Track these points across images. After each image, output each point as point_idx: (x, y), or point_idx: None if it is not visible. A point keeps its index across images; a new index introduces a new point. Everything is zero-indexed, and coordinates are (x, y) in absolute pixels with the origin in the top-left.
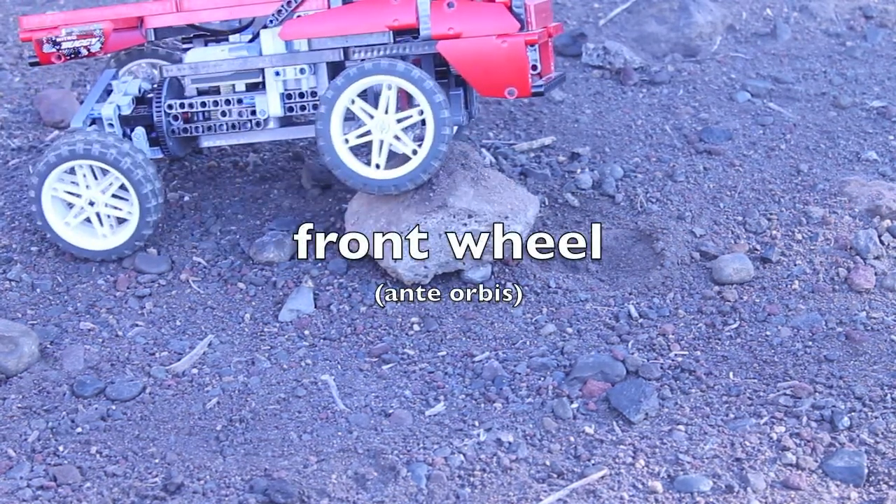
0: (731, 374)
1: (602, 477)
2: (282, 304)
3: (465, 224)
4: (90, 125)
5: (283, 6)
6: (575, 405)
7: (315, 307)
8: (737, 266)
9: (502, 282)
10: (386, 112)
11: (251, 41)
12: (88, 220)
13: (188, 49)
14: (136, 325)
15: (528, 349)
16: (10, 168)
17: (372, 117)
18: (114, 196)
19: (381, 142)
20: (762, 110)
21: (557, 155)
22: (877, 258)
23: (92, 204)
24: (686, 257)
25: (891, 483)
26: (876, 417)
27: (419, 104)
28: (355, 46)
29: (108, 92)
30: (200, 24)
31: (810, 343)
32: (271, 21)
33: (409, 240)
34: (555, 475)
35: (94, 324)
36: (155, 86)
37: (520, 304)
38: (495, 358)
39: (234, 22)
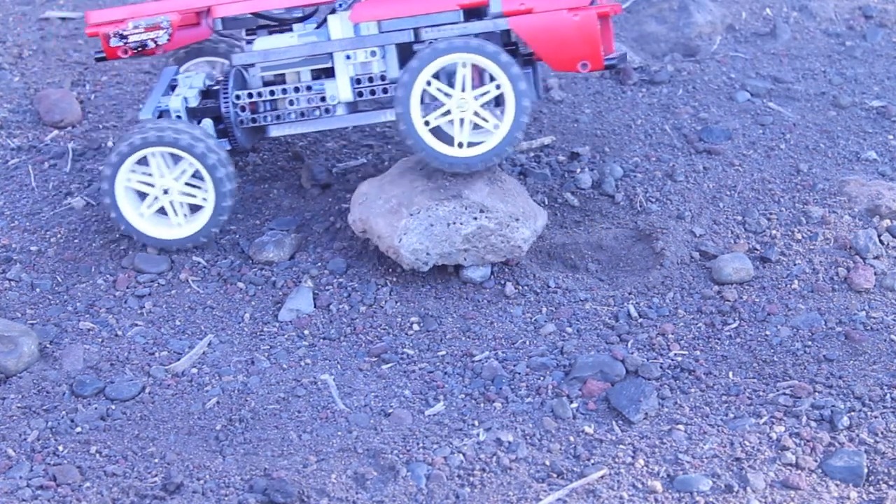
0: (730, 373)
1: (602, 476)
2: (281, 304)
3: (476, 218)
4: (157, 118)
5: None
6: (574, 405)
7: (315, 307)
8: (736, 266)
9: (502, 281)
10: (463, 90)
11: (318, 27)
12: (161, 209)
13: (252, 40)
14: (136, 325)
15: (527, 349)
16: (10, 168)
17: (449, 97)
18: (186, 184)
19: (462, 119)
20: (762, 110)
21: (557, 154)
22: (876, 258)
23: (166, 192)
24: (686, 257)
25: (890, 483)
26: (875, 417)
27: (497, 79)
28: (426, 27)
29: (172, 87)
30: (266, 12)
31: (810, 343)
32: (341, 4)
33: (416, 222)
34: (554, 475)
35: (93, 323)
36: (221, 78)
37: (518, 301)
38: (495, 358)
39: (296, 11)
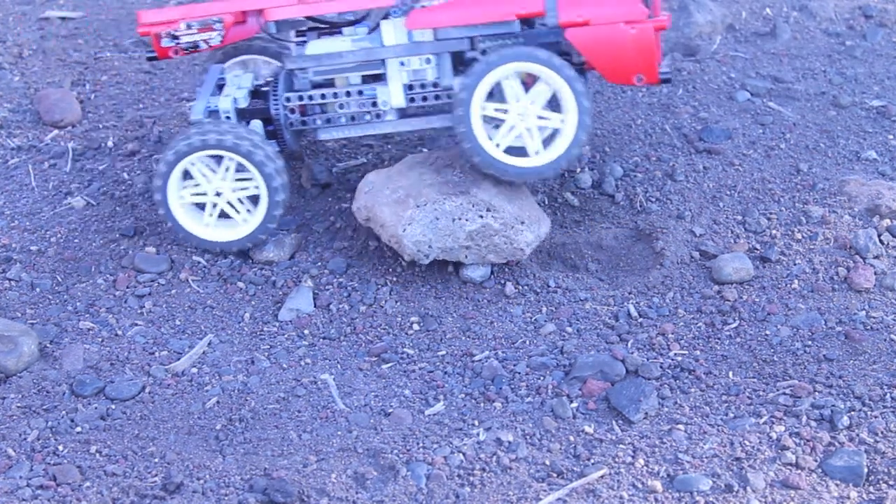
0: (730, 373)
1: (602, 476)
2: (281, 304)
3: (482, 216)
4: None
5: None
6: (574, 404)
7: (314, 306)
8: (736, 265)
9: (502, 281)
10: (532, 103)
11: (370, 32)
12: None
13: (303, 42)
14: (136, 325)
15: (527, 348)
16: (10, 168)
17: (518, 101)
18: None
19: (512, 127)
20: (762, 110)
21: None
22: (876, 257)
23: (218, 195)
24: (686, 257)
25: (890, 482)
26: (875, 417)
27: (563, 100)
28: (482, 36)
29: (220, 87)
30: (319, 16)
31: (810, 342)
32: (395, 11)
33: (422, 214)
34: (554, 474)
35: (93, 323)
36: (270, 79)
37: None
38: (495, 357)
39: (347, 15)
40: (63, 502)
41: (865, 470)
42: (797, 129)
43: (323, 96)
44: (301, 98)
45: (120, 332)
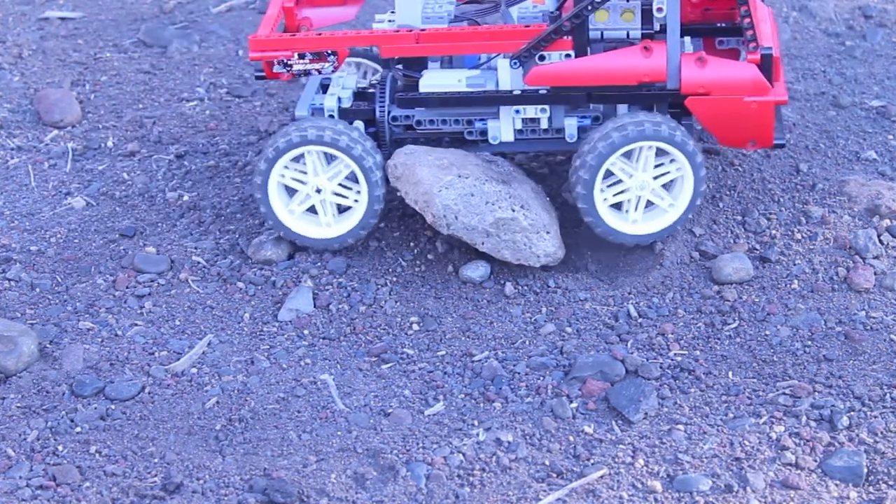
0: (730, 373)
1: (601, 476)
2: (281, 304)
3: (514, 210)
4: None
5: (528, 48)
6: (574, 405)
7: (314, 307)
8: (736, 265)
9: (502, 281)
10: (644, 170)
11: (484, 65)
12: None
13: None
14: (136, 325)
15: (527, 349)
16: (10, 168)
17: (631, 176)
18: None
19: (639, 198)
20: None
21: (557, 154)
22: (876, 258)
23: (319, 191)
24: (685, 257)
25: (890, 483)
26: (875, 417)
27: (677, 162)
28: (600, 94)
29: (324, 87)
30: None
31: (809, 343)
32: (514, 63)
33: (461, 184)
34: (554, 475)
35: (93, 323)
36: (376, 81)
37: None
38: (494, 357)
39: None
40: (63, 502)
41: (865, 470)
42: (797, 130)
43: (431, 122)
44: (409, 118)
45: (120, 333)
